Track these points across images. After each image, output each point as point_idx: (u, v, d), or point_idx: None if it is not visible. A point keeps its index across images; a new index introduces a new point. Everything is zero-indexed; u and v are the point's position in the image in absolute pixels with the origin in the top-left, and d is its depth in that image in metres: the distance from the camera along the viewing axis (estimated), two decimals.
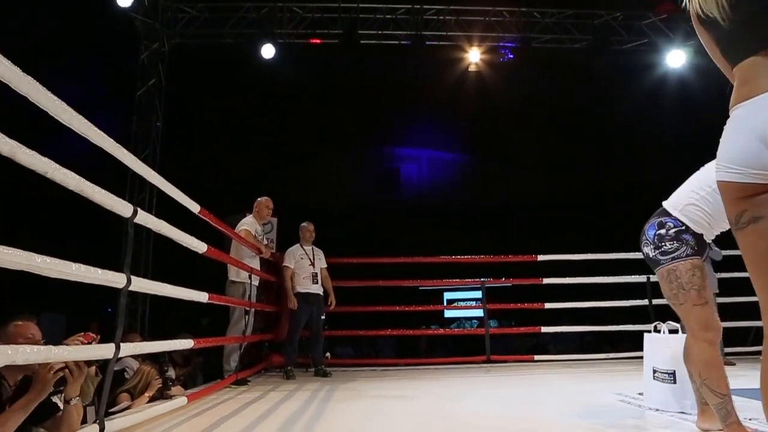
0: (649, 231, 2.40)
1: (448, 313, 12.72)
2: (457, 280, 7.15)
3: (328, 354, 5.96)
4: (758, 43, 1.25)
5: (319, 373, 5.22)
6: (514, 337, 9.18)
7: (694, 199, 2.30)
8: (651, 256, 2.38)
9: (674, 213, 2.34)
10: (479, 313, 7.63)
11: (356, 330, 6.64)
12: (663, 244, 2.32)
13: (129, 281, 2.35)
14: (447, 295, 13.52)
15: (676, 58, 8.66)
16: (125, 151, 2.45)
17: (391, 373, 5.70)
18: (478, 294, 7.14)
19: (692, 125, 9.29)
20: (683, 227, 2.31)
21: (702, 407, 2.44)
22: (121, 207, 2.36)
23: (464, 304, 12.78)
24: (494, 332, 6.59)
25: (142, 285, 2.57)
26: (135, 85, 8.19)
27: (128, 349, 2.47)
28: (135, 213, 2.47)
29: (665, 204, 2.43)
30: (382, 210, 12.46)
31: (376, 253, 6.88)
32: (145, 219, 2.61)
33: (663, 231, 2.34)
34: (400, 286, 6.81)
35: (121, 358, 2.48)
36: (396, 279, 6.62)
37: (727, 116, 1.34)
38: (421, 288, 10.48)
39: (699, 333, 2.22)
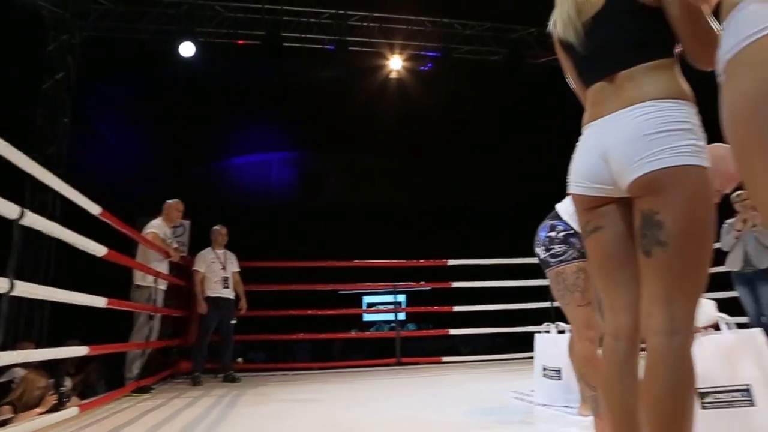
0: (541, 233, 2.51)
1: (368, 317, 12.84)
2: (370, 284, 7.25)
3: (239, 359, 5.88)
4: (607, 69, 1.38)
5: (228, 378, 5.15)
6: (429, 339, 9.42)
7: None
8: (542, 257, 2.50)
9: (564, 216, 2.46)
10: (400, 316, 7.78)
11: (269, 334, 6.59)
12: (552, 246, 2.42)
13: (12, 286, 2.25)
14: (366, 299, 13.64)
15: None
16: (15, 150, 2.35)
17: (304, 377, 5.70)
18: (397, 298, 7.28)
19: None
20: (571, 231, 2.41)
21: (584, 396, 2.63)
22: (6, 208, 2.26)
23: (383, 307, 12.97)
24: (405, 335, 6.74)
25: (27, 290, 2.46)
26: (41, 78, 7.73)
27: (10, 357, 2.36)
28: (22, 214, 2.37)
29: (557, 207, 2.54)
30: (304, 212, 12.41)
31: (295, 256, 6.86)
32: (34, 221, 2.51)
33: (553, 234, 2.44)
34: (319, 290, 6.83)
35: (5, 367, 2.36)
36: (311, 283, 6.63)
37: None
38: (340, 292, 10.54)
39: (582, 331, 2.39)
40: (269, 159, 13.51)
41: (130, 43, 8.76)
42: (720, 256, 4.46)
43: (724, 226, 4.82)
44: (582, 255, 2.38)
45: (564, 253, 2.39)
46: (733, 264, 4.70)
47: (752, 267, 4.57)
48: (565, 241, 2.41)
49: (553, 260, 2.42)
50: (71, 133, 7.81)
